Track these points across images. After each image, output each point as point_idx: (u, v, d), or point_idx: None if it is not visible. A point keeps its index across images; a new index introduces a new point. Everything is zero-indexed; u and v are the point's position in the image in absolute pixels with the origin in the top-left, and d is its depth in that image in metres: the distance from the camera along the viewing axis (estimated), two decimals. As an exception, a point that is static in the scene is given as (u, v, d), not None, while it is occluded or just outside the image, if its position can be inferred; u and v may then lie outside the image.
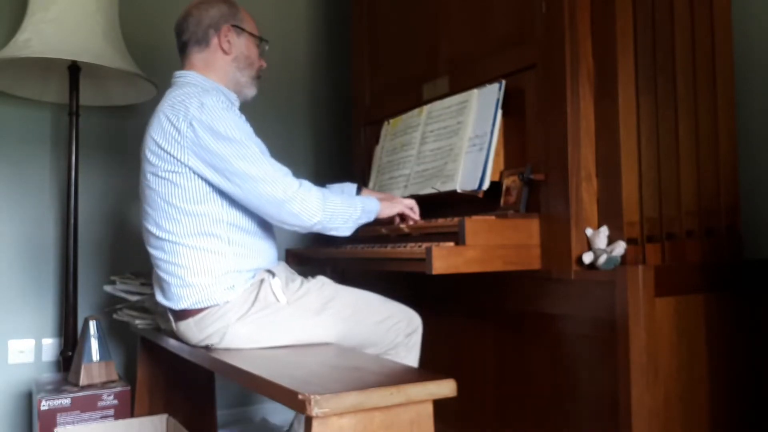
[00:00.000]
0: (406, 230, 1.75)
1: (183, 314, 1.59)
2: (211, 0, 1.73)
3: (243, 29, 1.74)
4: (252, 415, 2.66)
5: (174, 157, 1.53)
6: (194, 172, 1.53)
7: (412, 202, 1.78)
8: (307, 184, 1.58)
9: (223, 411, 2.53)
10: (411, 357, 1.69)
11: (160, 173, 1.55)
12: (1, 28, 2.26)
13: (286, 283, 1.63)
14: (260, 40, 1.80)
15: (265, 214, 1.57)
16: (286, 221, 1.57)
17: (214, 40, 1.70)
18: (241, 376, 1.31)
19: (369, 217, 1.69)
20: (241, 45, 1.73)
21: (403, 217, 1.78)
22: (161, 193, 1.56)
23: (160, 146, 1.54)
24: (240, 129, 1.54)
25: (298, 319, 1.59)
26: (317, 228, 1.60)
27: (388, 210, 1.74)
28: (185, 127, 1.51)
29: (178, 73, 1.71)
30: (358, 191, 1.92)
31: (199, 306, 1.56)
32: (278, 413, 2.66)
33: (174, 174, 1.54)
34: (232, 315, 1.55)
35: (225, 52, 1.71)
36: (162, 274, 1.60)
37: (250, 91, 1.78)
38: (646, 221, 1.58)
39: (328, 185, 1.96)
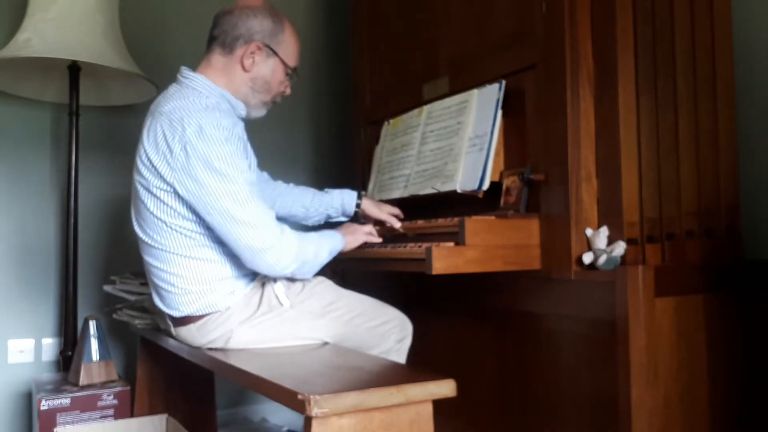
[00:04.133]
0: (402, 231, 1.76)
1: (183, 320, 1.58)
2: (260, 10, 1.62)
3: (275, 53, 1.63)
4: (252, 415, 2.66)
5: (161, 175, 1.48)
6: (178, 195, 1.48)
7: (369, 227, 1.76)
8: (288, 233, 1.52)
9: (223, 411, 2.53)
10: (399, 359, 1.69)
11: (150, 188, 1.51)
12: (1, 28, 2.26)
13: (287, 286, 1.63)
14: (292, 70, 1.70)
15: (238, 254, 1.50)
16: (258, 268, 1.51)
17: (239, 52, 1.60)
18: (241, 376, 1.31)
19: (332, 256, 1.65)
20: (266, 68, 1.63)
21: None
22: (150, 208, 1.52)
23: (150, 160, 1.49)
24: (234, 164, 1.46)
25: (300, 322, 1.59)
26: (285, 276, 1.57)
27: (352, 244, 1.71)
28: (179, 149, 1.44)
29: (186, 72, 1.61)
30: (359, 197, 1.91)
31: (200, 312, 1.55)
32: (278, 413, 2.66)
33: (162, 192, 1.49)
34: (234, 319, 1.55)
35: (244, 69, 1.61)
36: (158, 282, 1.58)
37: (256, 113, 1.70)
38: (646, 221, 1.58)
39: (327, 189, 1.96)
